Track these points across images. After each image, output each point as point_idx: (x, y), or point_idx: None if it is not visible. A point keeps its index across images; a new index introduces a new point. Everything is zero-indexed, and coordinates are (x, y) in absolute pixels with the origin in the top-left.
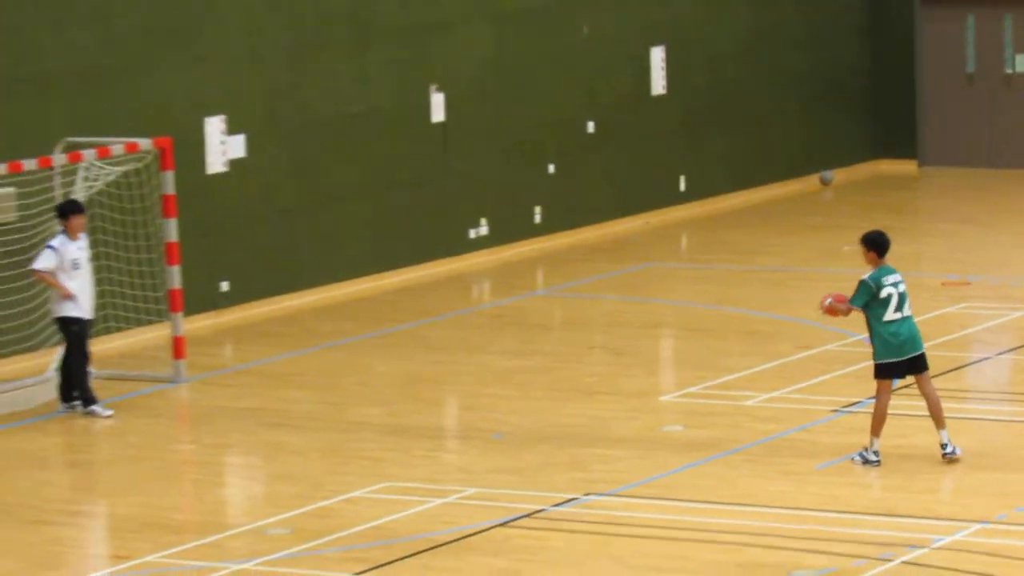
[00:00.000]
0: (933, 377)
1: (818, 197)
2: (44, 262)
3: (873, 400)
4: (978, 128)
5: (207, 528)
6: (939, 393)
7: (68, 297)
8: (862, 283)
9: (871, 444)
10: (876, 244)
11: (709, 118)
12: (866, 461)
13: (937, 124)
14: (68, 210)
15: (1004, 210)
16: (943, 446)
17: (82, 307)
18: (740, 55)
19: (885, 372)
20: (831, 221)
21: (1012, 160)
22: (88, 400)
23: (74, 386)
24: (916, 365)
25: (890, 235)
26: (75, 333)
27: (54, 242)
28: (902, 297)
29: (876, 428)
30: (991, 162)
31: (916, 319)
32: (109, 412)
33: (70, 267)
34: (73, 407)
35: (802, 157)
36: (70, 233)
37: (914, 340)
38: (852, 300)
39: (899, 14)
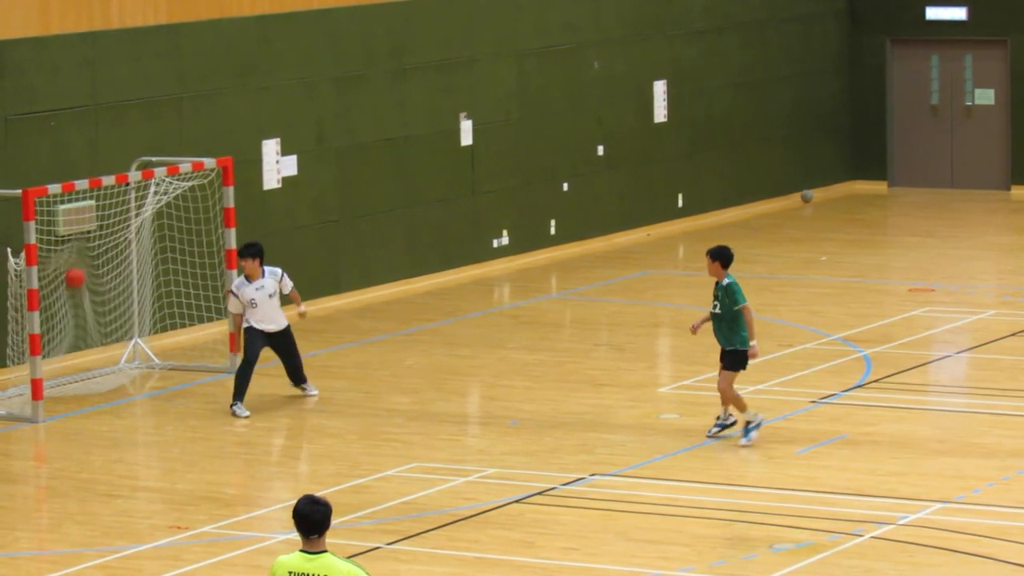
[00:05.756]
0: (902, 372)
1: (799, 213)
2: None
3: (847, 392)
4: (941, 153)
5: (257, 502)
6: (906, 386)
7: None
8: (734, 284)
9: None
10: (723, 256)
11: (705, 143)
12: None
13: (905, 149)
14: (245, 254)
15: (963, 225)
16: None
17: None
18: (733, 88)
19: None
20: (810, 235)
21: (971, 181)
22: (234, 396)
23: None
24: None
25: (858, 247)
26: (247, 342)
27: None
28: None
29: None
30: (952, 183)
31: (886, 321)
32: (246, 413)
33: (248, 306)
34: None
35: (786, 178)
36: (251, 276)
37: None
38: (742, 299)
39: (872, 53)
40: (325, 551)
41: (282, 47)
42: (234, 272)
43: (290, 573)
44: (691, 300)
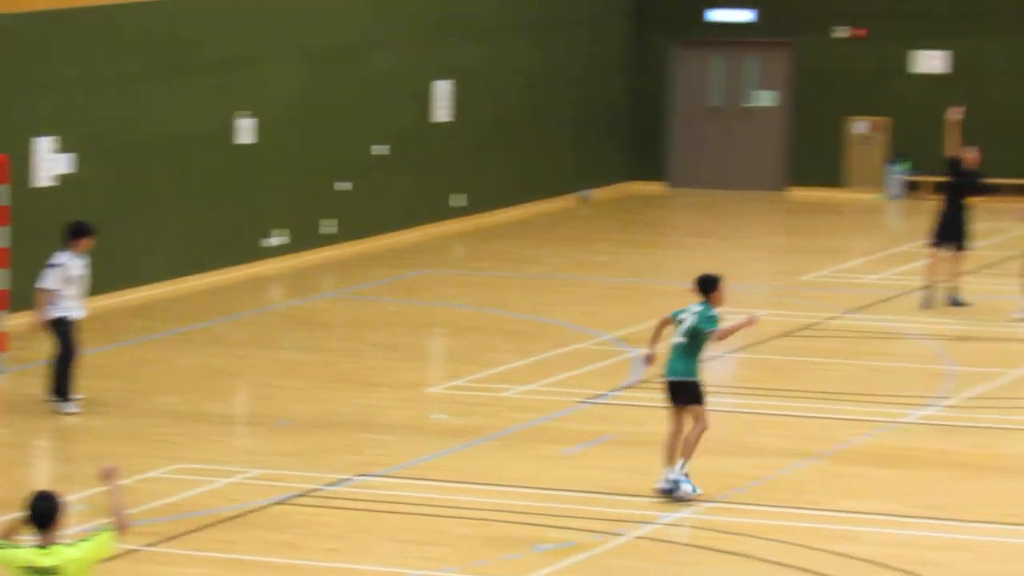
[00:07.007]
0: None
1: (577, 213)
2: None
3: (616, 392)
4: (719, 154)
5: (12, 504)
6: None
7: None
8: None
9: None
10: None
11: (489, 143)
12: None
13: (684, 150)
14: (93, 231)
15: (739, 226)
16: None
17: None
18: (518, 89)
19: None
20: (588, 234)
21: (747, 182)
22: (59, 392)
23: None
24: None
25: (634, 247)
26: (62, 333)
27: (61, 259)
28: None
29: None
30: (729, 184)
31: (653, 321)
32: (74, 409)
33: (65, 283)
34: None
35: (568, 178)
36: (76, 251)
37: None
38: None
39: (656, 54)
40: (56, 544)
41: (61, 41)
42: (5, 271)
43: (27, 567)
44: (467, 300)
